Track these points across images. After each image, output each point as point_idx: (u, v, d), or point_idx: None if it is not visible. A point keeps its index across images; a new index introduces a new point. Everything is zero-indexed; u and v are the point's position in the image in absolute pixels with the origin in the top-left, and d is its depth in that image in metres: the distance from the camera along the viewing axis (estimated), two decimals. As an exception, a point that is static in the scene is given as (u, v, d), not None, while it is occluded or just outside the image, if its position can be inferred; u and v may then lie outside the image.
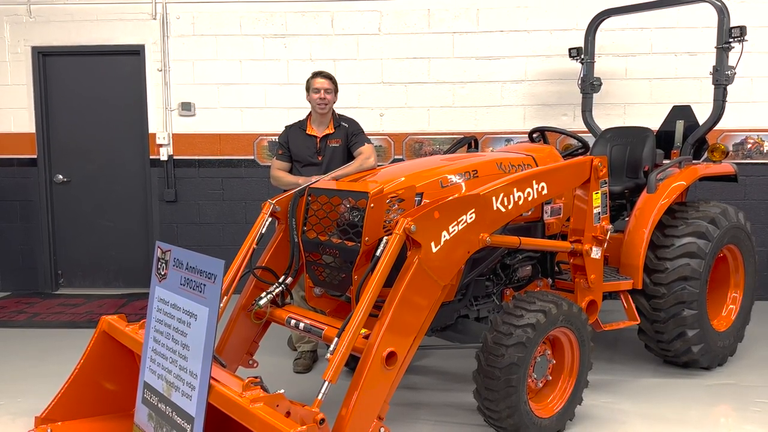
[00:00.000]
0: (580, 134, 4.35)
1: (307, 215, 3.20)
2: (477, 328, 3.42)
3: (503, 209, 3.05)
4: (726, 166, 4.48)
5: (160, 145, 6.31)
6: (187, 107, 6.27)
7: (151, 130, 6.34)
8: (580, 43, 5.39)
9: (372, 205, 2.91)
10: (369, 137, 4.40)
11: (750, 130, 5.96)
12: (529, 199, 3.19)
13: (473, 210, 2.89)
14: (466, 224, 2.86)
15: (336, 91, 4.35)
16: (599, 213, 3.47)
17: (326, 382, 2.36)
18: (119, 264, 6.65)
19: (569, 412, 3.27)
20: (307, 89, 4.31)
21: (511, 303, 3.10)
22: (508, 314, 3.03)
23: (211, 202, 6.38)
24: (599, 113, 5.62)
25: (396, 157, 6.21)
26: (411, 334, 2.67)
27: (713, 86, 4.36)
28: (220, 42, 6.24)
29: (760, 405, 3.63)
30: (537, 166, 3.58)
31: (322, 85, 4.25)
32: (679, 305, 3.87)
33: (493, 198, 3.01)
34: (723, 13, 4.24)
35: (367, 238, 2.90)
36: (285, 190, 3.90)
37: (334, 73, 4.37)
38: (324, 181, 3.42)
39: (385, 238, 2.74)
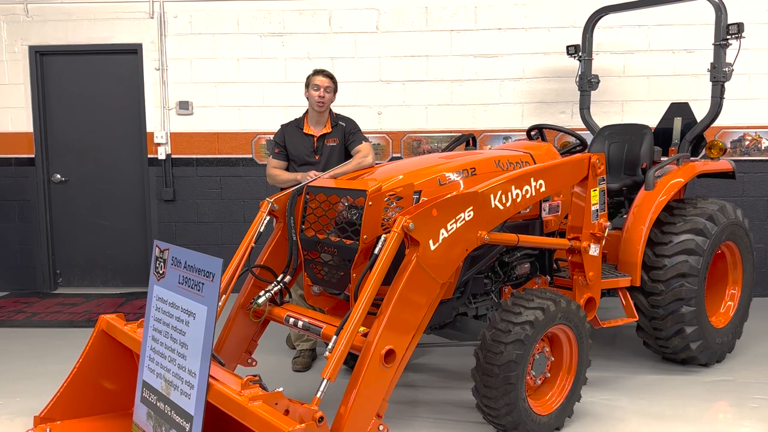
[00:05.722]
0: (578, 132, 4.35)
1: (306, 213, 3.20)
2: (475, 325, 3.42)
3: (501, 207, 3.05)
4: (724, 163, 4.49)
5: (158, 144, 6.31)
6: (184, 106, 6.27)
7: (148, 129, 6.34)
8: (578, 41, 5.39)
9: (370, 203, 2.91)
10: (367, 136, 4.40)
11: (748, 127, 5.97)
12: (527, 196, 3.19)
13: (471, 208, 2.89)
14: (464, 222, 2.86)
15: (335, 91, 4.34)
16: (597, 210, 3.47)
17: (325, 380, 2.36)
18: (117, 263, 6.65)
19: (568, 409, 3.27)
20: (307, 85, 4.30)
21: (510, 300, 3.11)
22: (507, 312, 3.03)
23: (209, 201, 6.38)
24: (597, 110, 5.62)
25: (394, 155, 6.21)
26: (409, 331, 2.68)
27: (711, 83, 4.36)
28: (218, 41, 6.23)
29: (758, 401, 3.64)
30: (535, 163, 3.59)
31: (323, 83, 4.24)
32: (677, 302, 3.87)
33: (491, 196, 3.01)
34: (720, 10, 4.24)
35: (365, 236, 2.90)
36: (282, 189, 3.90)
37: (331, 71, 4.37)
38: (322, 180, 3.43)
39: (384, 236, 2.75)
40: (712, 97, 4.37)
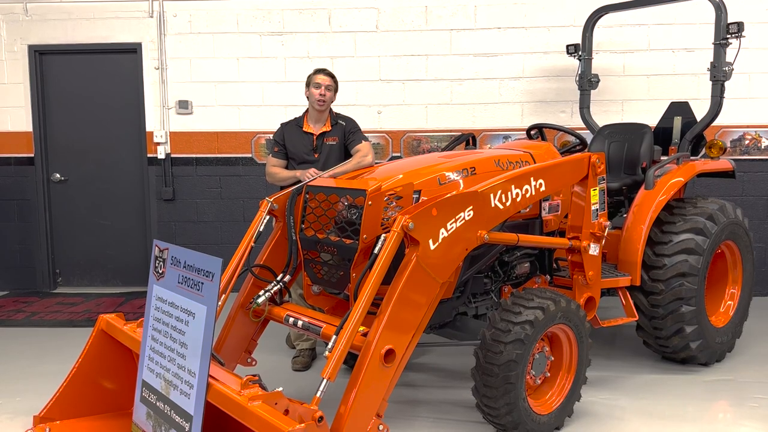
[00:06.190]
0: (578, 131, 4.35)
1: (305, 213, 3.20)
2: (475, 325, 3.42)
3: (501, 206, 3.05)
4: (724, 163, 4.49)
5: (158, 144, 6.30)
6: (184, 105, 6.26)
7: (148, 129, 6.34)
8: (578, 40, 5.39)
9: (370, 202, 2.91)
10: (366, 135, 4.40)
11: (748, 126, 5.97)
12: (527, 196, 3.19)
13: (471, 207, 2.89)
14: (464, 221, 2.86)
15: (336, 90, 4.34)
16: (597, 210, 3.47)
17: (325, 380, 2.36)
18: (117, 263, 6.64)
19: (568, 408, 3.27)
20: (308, 84, 4.30)
21: (510, 300, 3.10)
22: (507, 311, 3.03)
23: (209, 201, 6.38)
24: (597, 110, 5.62)
25: (394, 154, 6.20)
26: (409, 331, 2.67)
27: (711, 82, 4.36)
28: (217, 40, 6.23)
29: (758, 401, 3.64)
30: (535, 163, 3.59)
31: (324, 82, 4.24)
32: (677, 302, 3.87)
33: (491, 195, 3.01)
34: (720, 9, 4.24)
35: (365, 236, 2.89)
36: (282, 188, 3.90)
37: (331, 70, 4.38)
38: (322, 179, 3.43)
39: (383, 235, 2.75)
40: (712, 96, 4.36)
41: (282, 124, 4.42)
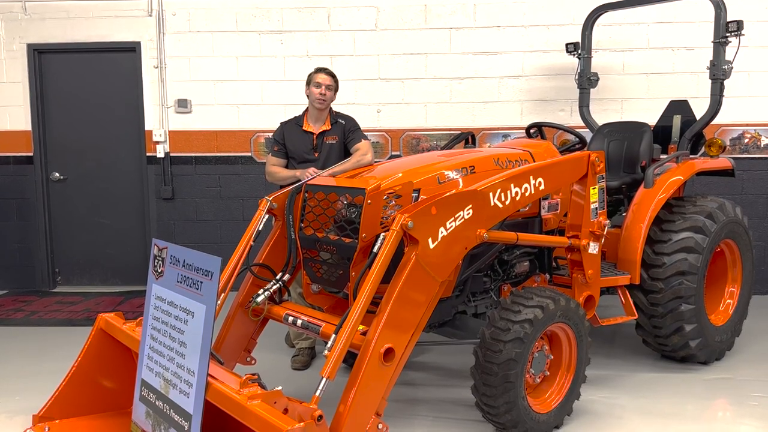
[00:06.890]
0: (577, 129, 4.35)
1: (305, 212, 3.19)
2: (475, 324, 3.42)
3: (500, 205, 3.05)
4: (723, 161, 4.49)
5: (157, 143, 6.30)
6: (183, 104, 6.26)
7: (147, 128, 6.33)
8: (577, 38, 5.39)
9: (369, 201, 2.91)
10: (366, 134, 4.40)
11: (747, 125, 5.97)
12: (527, 194, 3.18)
13: (470, 206, 2.89)
14: (463, 220, 2.86)
15: (336, 90, 4.34)
16: (596, 208, 3.47)
17: (324, 379, 2.36)
18: (116, 262, 6.64)
19: (567, 407, 3.27)
20: (308, 83, 4.30)
21: (509, 299, 3.10)
22: (506, 310, 3.03)
23: (208, 200, 6.37)
24: (596, 108, 5.62)
25: (393, 153, 6.20)
26: (409, 330, 2.67)
27: (710, 81, 4.36)
28: (216, 38, 6.22)
29: (757, 399, 3.64)
30: (534, 161, 3.58)
31: (325, 81, 4.24)
32: (676, 300, 3.87)
33: (491, 194, 3.00)
34: (720, 7, 4.24)
35: (364, 235, 2.89)
36: (281, 187, 3.91)
37: (331, 69, 4.37)
38: (321, 178, 3.43)
39: (383, 234, 2.74)
40: (711, 94, 4.36)
41: (282, 123, 4.42)
